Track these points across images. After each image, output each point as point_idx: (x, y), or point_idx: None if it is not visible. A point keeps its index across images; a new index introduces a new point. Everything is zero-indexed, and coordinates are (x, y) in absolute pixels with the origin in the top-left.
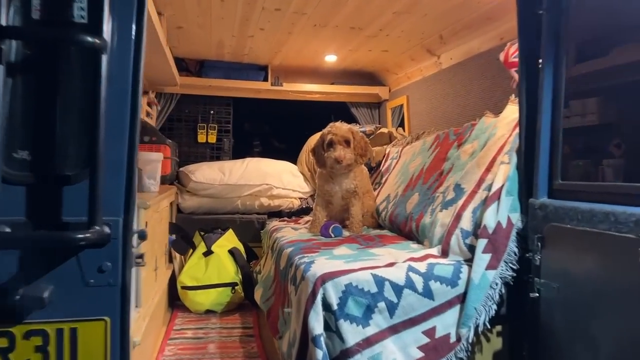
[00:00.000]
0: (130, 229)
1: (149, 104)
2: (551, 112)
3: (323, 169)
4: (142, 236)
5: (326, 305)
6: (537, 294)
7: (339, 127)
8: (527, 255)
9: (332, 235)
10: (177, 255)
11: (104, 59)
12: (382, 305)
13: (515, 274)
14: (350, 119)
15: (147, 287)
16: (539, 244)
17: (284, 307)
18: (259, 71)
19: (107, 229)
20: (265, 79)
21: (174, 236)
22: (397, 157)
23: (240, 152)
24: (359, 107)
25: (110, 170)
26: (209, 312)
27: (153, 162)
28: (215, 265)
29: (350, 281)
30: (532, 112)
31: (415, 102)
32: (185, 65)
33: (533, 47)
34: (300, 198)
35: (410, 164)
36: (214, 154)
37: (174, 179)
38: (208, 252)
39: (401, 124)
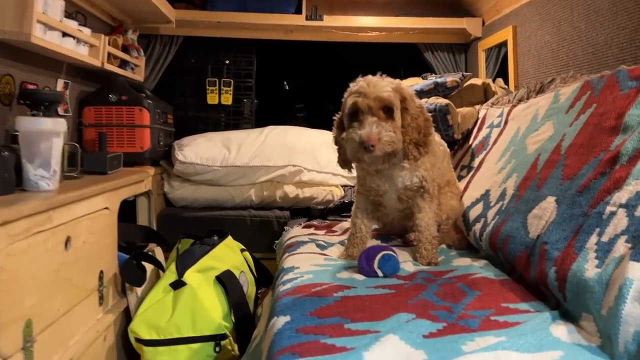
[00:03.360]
0: None
1: (126, 49)
2: None
3: (343, 166)
4: None
5: None
6: None
7: (375, 83)
8: None
9: (380, 275)
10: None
11: None
12: None
13: None
14: (423, 68)
15: None
16: None
17: None
18: None
19: None
20: (299, 11)
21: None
22: (500, 123)
23: (278, 120)
24: (436, 51)
25: None
26: None
27: (43, 135)
28: (187, 306)
29: None
30: None
31: (528, 34)
32: None
33: None
34: (343, 186)
35: (530, 137)
36: (231, 120)
37: (160, 157)
38: (178, 283)
39: (500, 74)
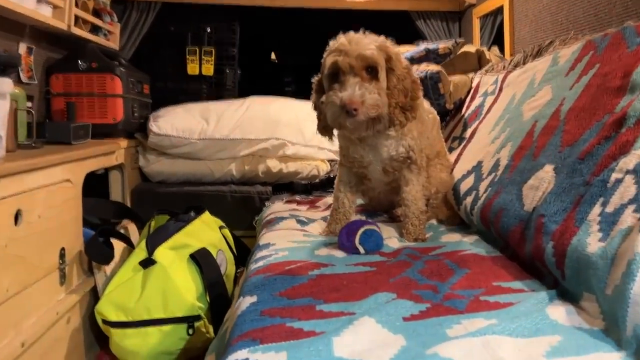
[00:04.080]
0: None
1: (98, 13)
2: None
3: (323, 133)
4: None
5: None
6: None
7: (357, 40)
8: None
9: (362, 251)
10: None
11: None
12: None
13: None
14: (415, 36)
15: None
16: None
17: None
18: None
19: None
20: None
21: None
22: (494, 91)
23: (265, 93)
24: (428, 19)
25: None
26: None
27: None
28: (158, 285)
29: None
30: None
31: None
32: None
33: None
34: (330, 161)
35: (526, 104)
36: (213, 91)
37: (135, 129)
38: (148, 262)
39: (496, 42)
